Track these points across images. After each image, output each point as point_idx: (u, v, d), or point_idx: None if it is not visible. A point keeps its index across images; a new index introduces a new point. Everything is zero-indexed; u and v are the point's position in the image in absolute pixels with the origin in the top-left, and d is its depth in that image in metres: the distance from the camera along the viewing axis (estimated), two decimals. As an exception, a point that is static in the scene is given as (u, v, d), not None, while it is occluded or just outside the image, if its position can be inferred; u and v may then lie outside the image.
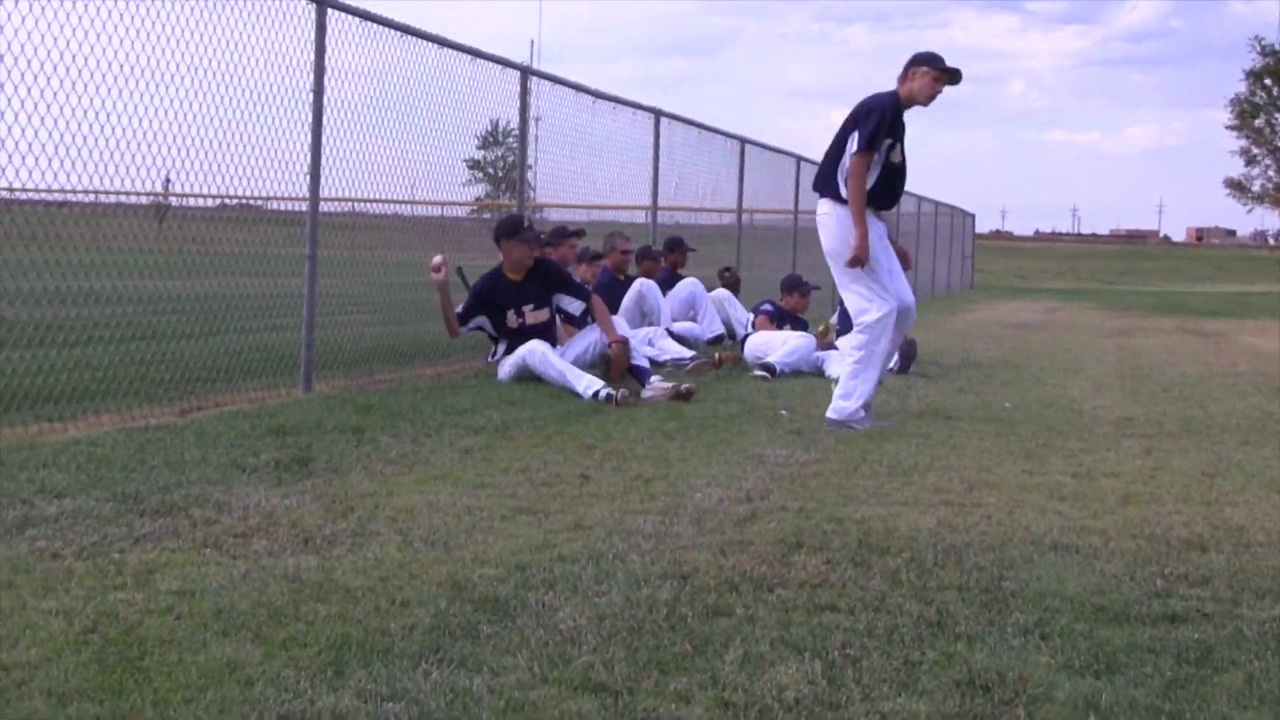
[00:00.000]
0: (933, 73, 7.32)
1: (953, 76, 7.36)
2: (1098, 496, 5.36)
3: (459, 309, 8.82)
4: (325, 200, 8.25)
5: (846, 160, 7.22)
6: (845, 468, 5.87)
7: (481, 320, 8.87)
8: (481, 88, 10.28)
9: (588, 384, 7.96)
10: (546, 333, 8.83)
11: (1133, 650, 3.29)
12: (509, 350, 8.72)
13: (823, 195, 7.41)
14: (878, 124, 7.20)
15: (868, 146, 7.17)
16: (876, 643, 3.30)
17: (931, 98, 7.33)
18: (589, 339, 8.88)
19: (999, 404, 8.53)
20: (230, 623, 3.25)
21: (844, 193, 7.25)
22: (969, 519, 4.81)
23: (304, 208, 8.08)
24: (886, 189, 7.38)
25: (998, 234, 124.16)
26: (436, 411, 6.93)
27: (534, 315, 8.85)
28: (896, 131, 7.37)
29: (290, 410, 6.79)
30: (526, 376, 8.42)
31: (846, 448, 6.44)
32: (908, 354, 10.48)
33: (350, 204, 9.86)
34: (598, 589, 3.68)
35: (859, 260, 7.18)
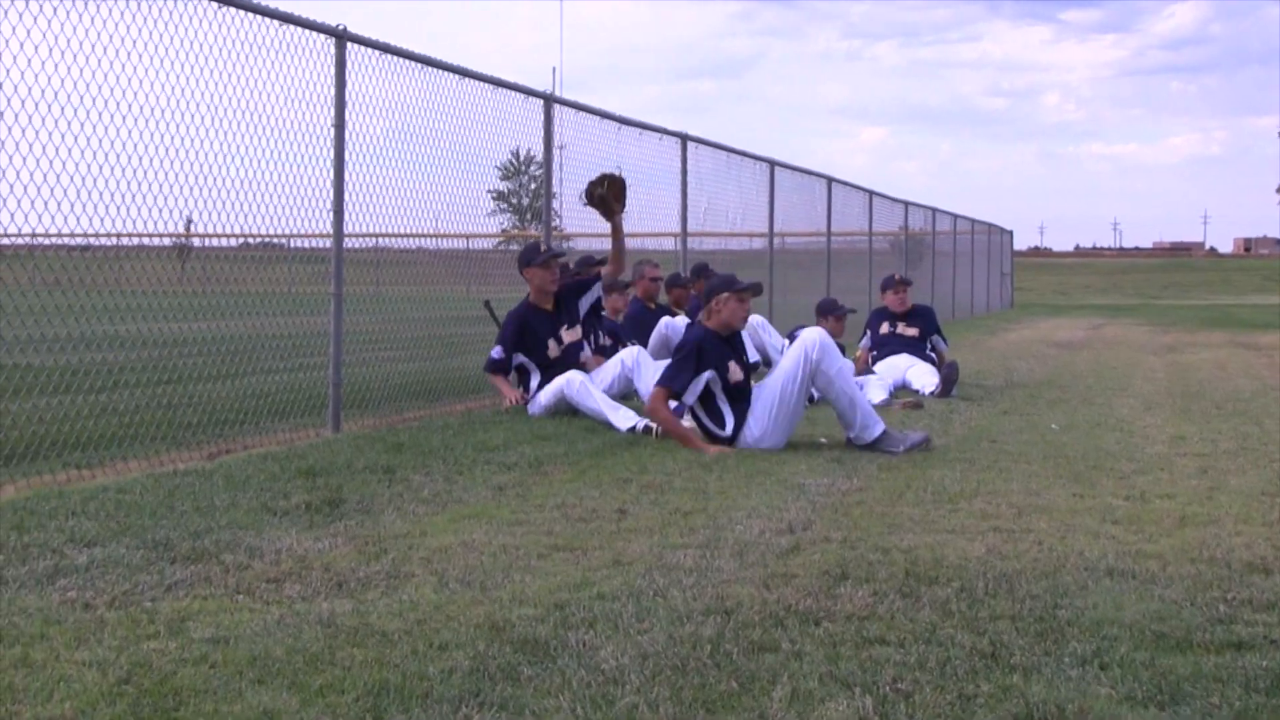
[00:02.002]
0: (733, 295, 7.57)
1: (754, 290, 7.71)
2: (1153, 519, 5.30)
3: (497, 353, 8.88)
4: (349, 236, 8.29)
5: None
6: (889, 495, 5.84)
7: (522, 360, 8.91)
8: (504, 117, 10.34)
9: (625, 417, 7.96)
10: (578, 352, 8.95)
11: (1198, 679, 3.25)
12: (543, 383, 8.74)
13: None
14: (684, 359, 7.40)
15: (667, 382, 7.38)
16: (929, 676, 3.27)
17: (745, 318, 7.68)
18: (614, 371, 8.90)
19: (1045, 425, 8.47)
20: (265, 670, 3.26)
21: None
22: (1019, 546, 4.77)
23: (328, 244, 8.13)
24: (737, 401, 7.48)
25: (1037, 250, 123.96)
26: (468, 448, 6.94)
27: (570, 334, 9.02)
28: (722, 357, 7.49)
29: (320, 451, 6.81)
30: (561, 410, 8.44)
31: (889, 475, 6.41)
32: (949, 377, 10.44)
33: (375, 239, 9.92)
34: (639, 627, 3.66)
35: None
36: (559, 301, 9.05)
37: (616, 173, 9.30)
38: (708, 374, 7.37)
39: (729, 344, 7.57)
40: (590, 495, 5.74)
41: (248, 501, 5.40)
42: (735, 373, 7.47)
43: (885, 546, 4.73)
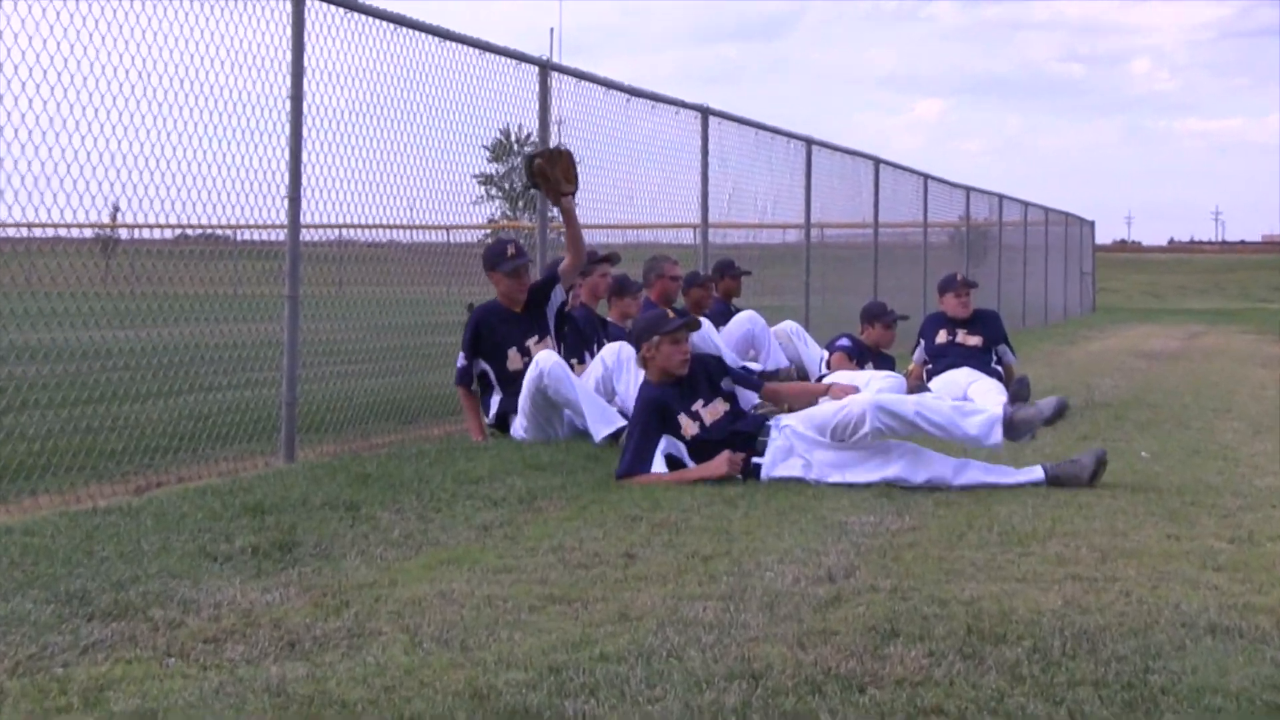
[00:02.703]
0: (664, 339, 7.48)
1: (690, 326, 7.65)
2: (1263, 565, 5.28)
3: (460, 361, 8.85)
4: (307, 227, 8.29)
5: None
6: (947, 536, 5.82)
7: (483, 367, 8.85)
8: (493, 87, 10.36)
9: (605, 418, 8.04)
10: None
11: (1318, 758, 3.22)
12: (504, 404, 8.67)
13: None
14: (639, 432, 7.34)
15: (630, 469, 7.23)
16: (996, 755, 3.24)
17: (684, 361, 7.51)
18: (596, 373, 8.86)
19: (1134, 453, 8.47)
20: (200, 748, 3.23)
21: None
22: (1103, 597, 4.75)
23: (282, 236, 8.13)
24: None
25: (1123, 245, 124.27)
26: (447, 480, 6.93)
27: (540, 347, 8.81)
28: (683, 404, 7.45)
29: (269, 484, 6.80)
30: (549, 418, 8.37)
31: (947, 511, 6.39)
32: (1019, 394, 10.42)
33: (337, 231, 9.91)
34: (650, 694, 3.65)
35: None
36: (530, 307, 9.00)
37: (562, 145, 9.23)
38: (662, 443, 7.29)
39: (678, 391, 7.46)
40: (592, 536, 5.73)
41: (182, 545, 5.38)
42: (690, 427, 7.38)
43: (943, 598, 4.71)
